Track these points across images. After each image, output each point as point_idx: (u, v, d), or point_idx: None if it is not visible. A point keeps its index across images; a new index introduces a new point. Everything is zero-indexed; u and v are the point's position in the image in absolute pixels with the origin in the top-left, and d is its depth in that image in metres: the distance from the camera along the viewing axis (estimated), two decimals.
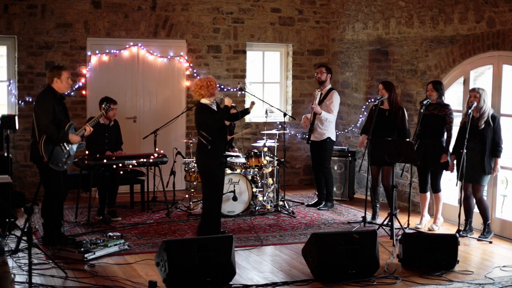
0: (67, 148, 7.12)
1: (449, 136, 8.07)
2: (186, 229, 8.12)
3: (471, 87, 8.42)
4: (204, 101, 7.47)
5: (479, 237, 7.76)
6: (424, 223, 8.35)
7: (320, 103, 9.27)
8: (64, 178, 7.26)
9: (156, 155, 8.78)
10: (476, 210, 7.99)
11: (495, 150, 7.64)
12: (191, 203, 9.10)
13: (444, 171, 8.17)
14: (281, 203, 9.23)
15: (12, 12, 9.60)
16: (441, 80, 8.54)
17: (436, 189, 8.22)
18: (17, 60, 9.73)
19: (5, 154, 7.99)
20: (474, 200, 7.86)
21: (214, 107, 7.51)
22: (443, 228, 8.34)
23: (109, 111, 8.30)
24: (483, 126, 7.61)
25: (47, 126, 6.91)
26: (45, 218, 7.21)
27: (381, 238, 7.40)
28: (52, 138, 6.90)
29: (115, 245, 7.02)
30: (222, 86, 10.72)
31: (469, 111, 7.59)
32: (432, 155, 8.07)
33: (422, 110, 8.01)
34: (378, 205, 8.68)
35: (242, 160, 9.12)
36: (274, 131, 9.50)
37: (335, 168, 10.16)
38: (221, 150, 7.51)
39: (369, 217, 8.57)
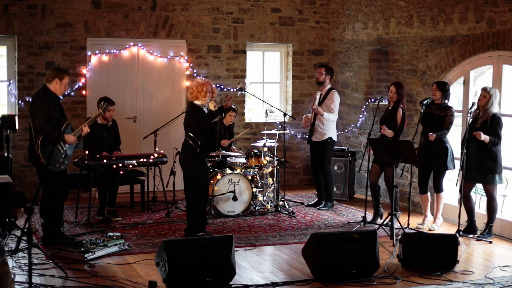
0: (64, 148, 7.12)
1: (446, 129, 8.00)
2: None
3: (471, 87, 8.44)
4: (197, 102, 7.45)
5: (477, 236, 7.75)
6: (426, 223, 8.33)
7: (320, 103, 9.27)
8: (64, 178, 7.26)
9: (156, 155, 8.78)
10: (477, 210, 8.00)
11: (492, 144, 7.52)
12: None
13: (446, 171, 8.17)
14: (281, 203, 9.23)
15: (12, 12, 9.60)
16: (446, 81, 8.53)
17: (438, 189, 8.21)
18: (17, 60, 9.73)
19: (5, 154, 7.98)
20: (474, 200, 7.88)
21: (205, 110, 7.49)
22: (443, 228, 8.34)
23: (107, 110, 8.23)
24: (479, 125, 7.59)
25: (42, 126, 6.91)
26: (44, 218, 7.21)
27: (381, 238, 7.40)
28: (49, 138, 6.90)
29: (115, 245, 7.02)
30: (222, 86, 10.72)
31: (470, 110, 7.59)
32: (435, 156, 8.05)
33: (422, 110, 8.01)
34: (380, 206, 8.62)
35: (242, 160, 9.12)
36: (274, 131, 9.49)
37: (335, 168, 10.16)
38: (207, 153, 7.64)
39: (370, 217, 8.56)
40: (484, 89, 7.64)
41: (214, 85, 7.62)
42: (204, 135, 7.43)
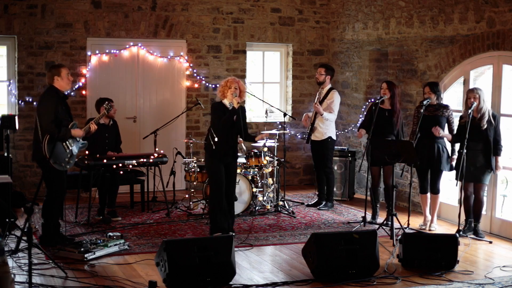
0: (70, 148, 7.13)
1: (452, 132, 8.09)
2: (186, 229, 8.12)
3: (471, 87, 8.43)
4: (224, 101, 7.67)
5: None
6: (427, 224, 8.32)
7: (321, 102, 9.28)
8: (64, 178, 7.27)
9: (156, 155, 8.78)
10: None
11: (496, 148, 7.67)
12: (191, 203, 9.09)
13: (443, 172, 8.17)
14: (281, 203, 9.23)
15: (12, 12, 9.60)
16: (438, 81, 8.56)
17: (435, 190, 8.22)
18: (17, 60, 9.73)
19: (5, 154, 7.98)
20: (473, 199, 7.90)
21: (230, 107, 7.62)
22: (443, 228, 8.34)
23: (110, 110, 8.28)
24: (485, 126, 7.63)
25: (49, 126, 6.91)
26: (45, 218, 7.21)
27: (381, 238, 7.40)
28: (53, 137, 6.92)
29: (115, 245, 7.02)
30: None
31: (469, 111, 7.60)
32: (433, 156, 8.06)
33: (422, 110, 8.01)
34: (378, 205, 8.67)
35: (242, 160, 9.12)
36: (274, 131, 9.49)
37: (335, 168, 10.15)
38: (228, 152, 7.62)
39: (369, 217, 8.57)
40: (471, 90, 7.74)
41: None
42: (223, 131, 7.51)
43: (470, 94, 7.70)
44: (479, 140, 7.66)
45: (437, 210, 8.36)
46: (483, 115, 7.65)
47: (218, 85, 7.85)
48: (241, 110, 7.68)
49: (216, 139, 7.50)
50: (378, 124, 8.31)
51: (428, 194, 8.33)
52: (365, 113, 10.26)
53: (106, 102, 8.21)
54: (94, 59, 10.11)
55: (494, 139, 7.67)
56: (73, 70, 9.82)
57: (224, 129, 7.54)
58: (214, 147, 7.52)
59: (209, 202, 7.77)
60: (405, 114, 9.33)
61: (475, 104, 7.62)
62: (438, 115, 8.08)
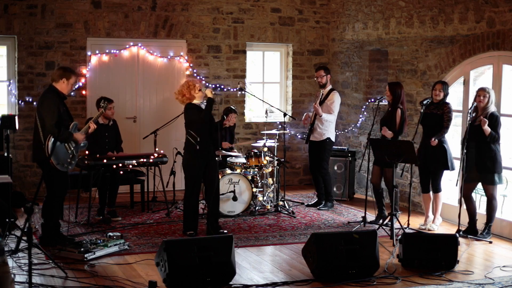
0: (71, 149, 7.13)
1: (445, 128, 7.97)
2: None
3: (471, 87, 8.44)
4: (194, 101, 7.65)
5: (477, 236, 7.74)
6: (428, 223, 8.32)
7: (321, 103, 9.27)
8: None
9: (156, 155, 8.78)
10: (478, 210, 8.01)
11: (492, 139, 7.55)
12: None
13: (445, 171, 8.16)
14: (281, 203, 9.23)
15: (12, 12, 9.60)
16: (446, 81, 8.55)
17: (436, 189, 8.21)
18: (17, 60, 9.73)
19: (5, 154, 7.98)
20: (475, 200, 7.89)
21: (203, 106, 7.64)
22: (443, 228, 8.34)
23: (107, 108, 8.26)
24: (478, 122, 7.60)
25: (52, 128, 6.89)
26: (45, 218, 7.21)
27: (381, 238, 7.40)
28: (55, 139, 6.93)
29: (115, 245, 7.02)
30: (222, 86, 10.72)
31: (469, 111, 7.59)
32: (433, 155, 8.05)
33: (422, 110, 8.00)
34: (384, 208, 8.54)
35: (242, 160, 9.13)
36: (274, 131, 9.49)
37: (335, 168, 10.15)
38: (210, 150, 7.64)
39: (372, 217, 8.53)
40: (483, 89, 7.65)
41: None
42: (205, 128, 7.53)
43: (480, 92, 7.65)
44: (475, 139, 7.61)
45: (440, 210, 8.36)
46: (483, 112, 7.62)
47: (181, 90, 7.73)
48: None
49: (198, 139, 7.51)
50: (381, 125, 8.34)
51: (430, 194, 8.31)
52: (366, 114, 10.30)
53: (102, 100, 8.15)
54: (94, 59, 10.12)
55: (491, 135, 7.58)
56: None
57: (207, 124, 7.54)
58: (198, 147, 7.53)
59: (183, 202, 7.78)
60: None
61: (475, 104, 7.62)
62: (436, 113, 8.05)
